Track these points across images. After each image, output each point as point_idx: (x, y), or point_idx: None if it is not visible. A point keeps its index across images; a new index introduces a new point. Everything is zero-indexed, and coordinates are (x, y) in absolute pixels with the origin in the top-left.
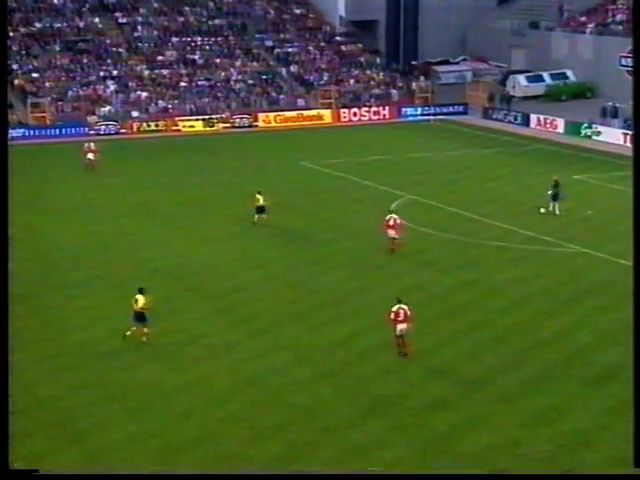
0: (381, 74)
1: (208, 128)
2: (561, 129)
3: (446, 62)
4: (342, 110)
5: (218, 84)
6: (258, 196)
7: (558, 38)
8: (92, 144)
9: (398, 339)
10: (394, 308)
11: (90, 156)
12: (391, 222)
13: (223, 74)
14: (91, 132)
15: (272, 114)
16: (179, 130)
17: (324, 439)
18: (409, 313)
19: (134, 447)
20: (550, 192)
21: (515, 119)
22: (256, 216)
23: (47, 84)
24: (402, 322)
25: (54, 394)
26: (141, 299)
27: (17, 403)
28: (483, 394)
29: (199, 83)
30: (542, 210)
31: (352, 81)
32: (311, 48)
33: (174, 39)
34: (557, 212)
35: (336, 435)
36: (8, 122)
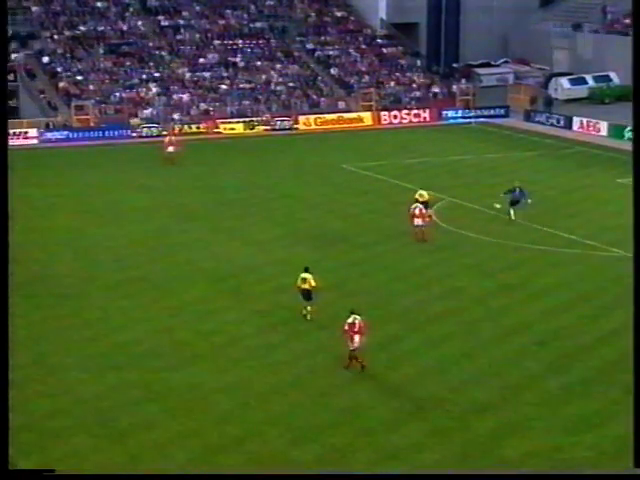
0: (422, 76)
1: (248, 130)
2: (604, 132)
3: (487, 64)
4: (382, 112)
5: (259, 86)
6: (421, 192)
7: (602, 40)
8: (173, 137)
9: (353, 352)
10: (349, 320)
11: (170, 149)
12: (417, 211)
13: (264, 77)
14: (134, 134)
15: (312, 116)
16: (220, 132)
17: (363, 442)
18: (362, 324)
19: (175, 447)
20: (508, 196)
21: (557, 122)
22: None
23: (91, 87)
24: (357, 334)
25: (96, 393)
26: (310, 278)
27: (59, 402)
28: (524, 399)
29: (240, 86)
30: (497, 205)
31: (392, 83)
32: (352, 51)
33: (216, 42)
34: (512, 217)
35: (375, 438)
36: (7, 122)
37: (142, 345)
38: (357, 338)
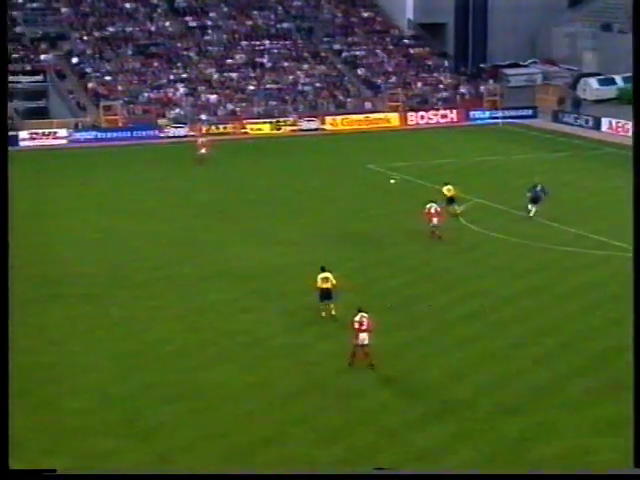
0: (449, 77)
1: (275, 131)
2: None
3: (515, 65)
4: (409, 113)
5: (286, 87)
6: (449, 187)
7: (630, 40)
8: (205, 139)
9: (357, 349)
10: (356, 318)
11: (202, 151)
12: (432, 210)
13: (291, 77)
14: (161, 135)
15: (339, 117)
16: (247, 133)
17: (388, 443)
18: (371, 322)
19: (202, 447)
20: (529, 194)
21: (586, 123)
22: (451, 207)
23: (119, 87)
24: (364, 331)
25: (124, 393)
26: (330, 277)
27: (87, 401)
28: (552, 401)
29: (267, 86)
30: (392, 181)
31: (419, 84)
32: (379, 51)
33: (243, 42)
34: (531, 214)
35: (400, 439)
36: (7, 124)
37: (169, 344)
38: (363, 335)
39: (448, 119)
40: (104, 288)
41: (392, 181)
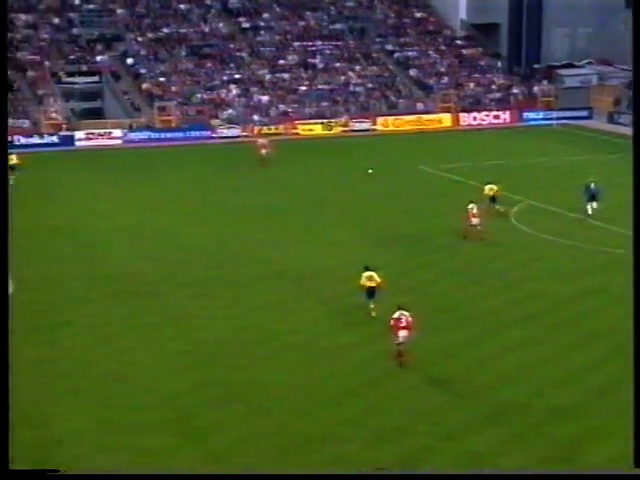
0: (502, 77)
1: (327, 131)
2: None
3: (570, 65)
4: (461, 114)
5: (337, 88)
6: (491, 186)
7: None
8: (265, 140)
9: (399, 347)
10: (395, 315)
11: (263, 151)
12: (475, 210)
13: (343, 78)
14: (214, 135)
15: (391, 118)
16: (298, 133)
17: (442, 445)
18: (411, 320)
19: (254, 446)
20: (585, 195)
21: None
22: (493, 207)
23: (173, 88)
24: (403, 329)
25: (177, 391)
26: (375, 276)
27: (140, 400)
28: (606, 404)
29: (319, 87)
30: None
31: (472, 85)
32: (431, 52)
33: (295, 43)
34: (590, 212)
35: (454, 442)
36: (7, 124)
37: (222, 344)
38: (402, 333)
39: (501, 120)
40: (158, 287)
41: (370, 171)
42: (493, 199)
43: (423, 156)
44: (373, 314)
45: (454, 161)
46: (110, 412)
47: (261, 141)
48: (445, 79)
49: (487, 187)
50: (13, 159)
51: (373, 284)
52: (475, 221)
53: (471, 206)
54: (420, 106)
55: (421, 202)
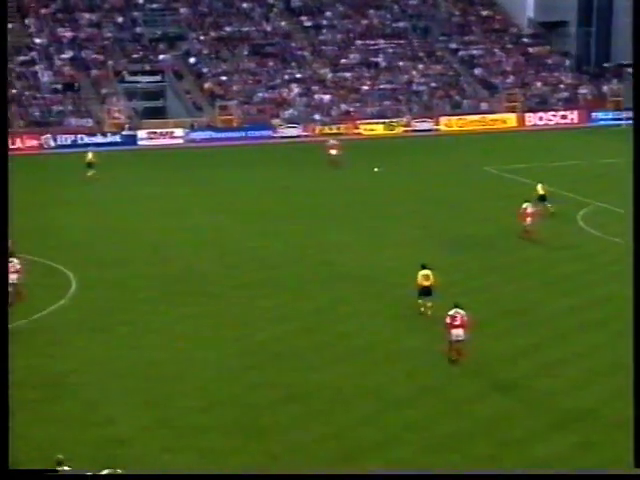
0: (570, 77)
1: (389, 131)
2: None
3: None
4: (527, 114)
5: (400, 87)
6: (541, 185)
7: None
8: (334, 141)
9: (452, 345)
10: (451, 312)
11: (332, 152)
12: (529, 210)
13: (405, 77)
14: (275, 135)
15: (454, 118)
16: (360, 133)
17: (506, 452)
18: (466, 319)
19: (315, 449)
20: None
21: None
22: (542, 205)
23: (234, 87)
24: (458, 327)
25: (237, 392)
26: (431, 274)
27: (200, 400)
28: None
29: (381, 86)
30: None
31: (539, 84)
32: (497, 50)
33: (358, 42)
34: None
35: (518, 449)
36: (8, 124)
37: (282, 345)
38: (456, 331)
39: (568, 120)
40: (220, 288)
41: (376, 169)
42: (543, 198)
43: (487, 157)
44: (429, 312)
45: (519, 162)
46: (172, 412)
47: (332, 141)
48: (511, 78)
49: (539, 186)
50: (89, 156)
51: (429, 283)
52: (529, 220)
53: (525, 205)
54: (484, 106)
55: (486, 204)
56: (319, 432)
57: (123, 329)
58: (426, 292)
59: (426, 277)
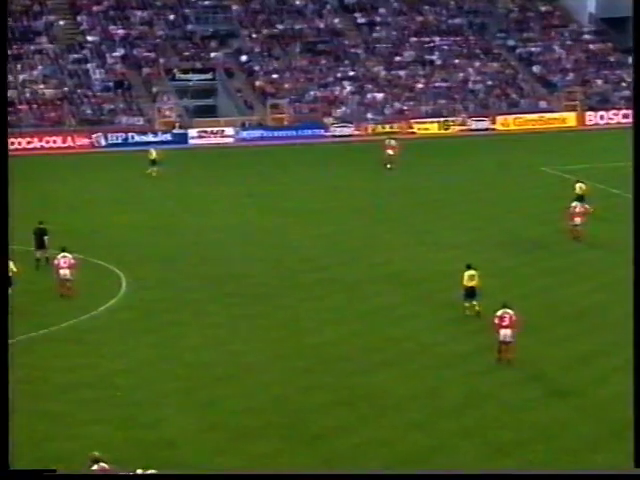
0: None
1: (443, 131)
2: None
3: None
4: (588, 113)
5: (456, 85)
6: (580, 185)
7: None
8: (392, 141)
9: (501, 345)
10: (499, 312)
11: (390, 152)
12: (577, 209)
13: (461, 75)
14: (327, 134)
15: (511, 117)
16: (414, 133)
17: (564, 460)
18: (515, 319)
19: (366, 453)
20: None
21: None
22: (585, 205)
23: (286, 85)
24: (506, 327)
25: (287, 395)
26: (476, 275)
27: (252, 402)
28: None
29: (436, 84)
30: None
31: (600, 82)
32: (556, 47)
33: (412, 39)
34: None
35: (577, 458)
36: (7, 124)
37: (333, 348)
38: (504, 332)
39: (631, 119)
40: (269, 288)
41: (388, 166)
42: (581, 198)
43: (545, 157)
44: (476, 310)
45: (578, 162)
46: (221, 414)
47: (391, 141)
48: (570, 76)
49: (577, 185)
50: (153, 154)
51: (474, 283)
52: (577, 220)
53: (574, 204)
54: (543, 104)
55: (543, 205)
56: (369, 437)
57: (173, 330)
58: (471, 293)
59: (471, 277)
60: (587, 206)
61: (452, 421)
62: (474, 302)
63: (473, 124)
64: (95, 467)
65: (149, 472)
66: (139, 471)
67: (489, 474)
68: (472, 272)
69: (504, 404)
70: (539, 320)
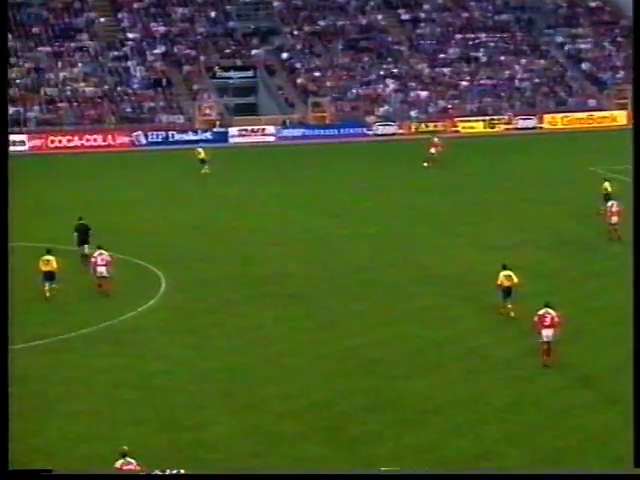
0: None
1: (489, 129)
2: None
3: None
4: None
5: (502, 83)
6: (606, 183)
7: None
8: (436, 139)
9: (543, 345)
10: (540, 312)
11: (432, 151)
12: (614, 209)
13: (507, 72)
14: (369, 132)
15: (559, 115)
16: (458, 131)
17: (612, 469)
18: (557, 319)
19: (408, 459)
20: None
21: None
22: (614, 203)
23: (328, 83)
24: (548, 327)
25: (327, 398)
26: (512, 275)
27: (292, 406)
28: None
29: (481, 82)
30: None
31: None
32: (606, 44)
33: (457, 36)
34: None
35: (628, 466)
36: (8, 123)
37: (374, 351)
38: (546, 332)
39: None
40: (309, 289)
41: (425, 164)
42: (608, 197)
43: (594, 157)
44: (510, 313)
45: (629, 162)
46: (261, 417)
47: (435, 140)
48: (621, 73)
49: (605, 184)
50: (201, 153)
51: (510, 283)
52: (614, 220)
53: (610, 203)
54: (592, 103)
55: (592, 206)
56: (411, 442)
57: (212, 331)
58: (507, 293)
59: (508, 277)
60: (613, 204)
61: (497, 427)
62: (509, 304)
63: (519, 123)
64: (120, 461)
65: (169, 472)
66: (168, 471)
67: (489, 474)
68: (508, 272)
69: (550, 410)
70: (587, 324)
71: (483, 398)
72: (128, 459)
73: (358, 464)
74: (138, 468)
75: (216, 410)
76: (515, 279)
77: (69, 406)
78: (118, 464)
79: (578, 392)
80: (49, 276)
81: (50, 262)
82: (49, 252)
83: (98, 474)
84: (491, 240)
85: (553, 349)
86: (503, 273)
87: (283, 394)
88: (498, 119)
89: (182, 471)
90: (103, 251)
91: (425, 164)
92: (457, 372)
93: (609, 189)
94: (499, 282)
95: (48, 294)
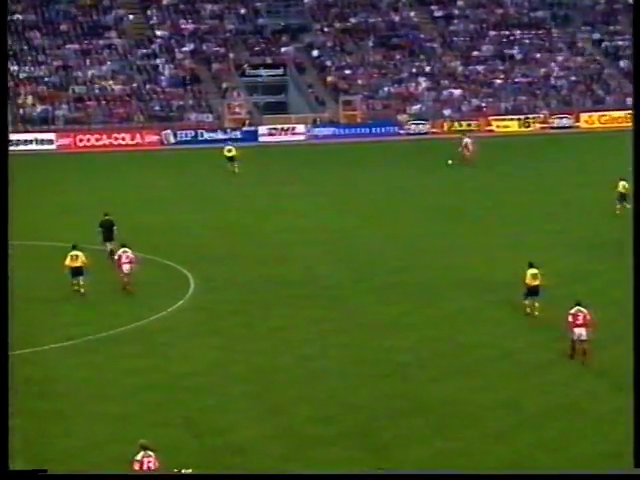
0: None
1: (523, 128)
2: None
3: None
4: None
5: (537, 81)
6: (624, 183)
7: None
8: (467, 139)
9: (574, 344)
10: (572, 310)
11: (467, 150)
12: None
13: (543, 70)
14: (401, 131)
15: (596, 114)
16: (492, 130)
17: None
18: (589, 317)
19: (440, 465)
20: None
21: None
22: (620, 205)
23: (359, 81)
24: (580, 326)
25: (359, 402)
26: (538, 274)
27: (323, 409)
28: None
29: (516, 80)
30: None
31: None
32: None
33: (491, 33)
34: None
35: None
36: (8, 123)
37: (406, 354)
38: (579, 330)
39: None
40: (341, 291)
41: (449, 162)
42: (623, 197)
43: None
44: (536, 313)
45: None
46: (291, 421)
47: (467, 139)
48: None
49: (621, 184)
50: (232, 151)
51: (537, 282)
52: None
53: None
54: (630, 101)
55: (629, 207)
56: (444, 447)
57: (241, 332)
58: (534, 292)
59: (534, 276)
60: (628, 206)
61: (532, 433)
62: (536, 302)
63: (555, 122)
64: (141, 453)
65: (176, 471)
66: (184, 471)
67: (489, 474)
68: (535, 271)
69: (588, 415)
70: (626, 328)
71: (517, 403)
72: (148, 452)
73: (389, 468)
74: (157, 462)
75: (245, 413)
76: (539, 278)
77: (98, 407)
78: (139, 456)
79: (616, 397)
80: (78, 271)
81: (79, 257)
82: (75, 247)
83: (98, 474)
84: (526, 241)
85: (589, 349)
86: (530, 271)
87: (313, 397)
88: (533, 118)
89: (189, 470)
90: (127, 249)
91: (450, 162)
92: (491, 376)
93: (624, 189)
94: (526, 281)
95: (82, 290)
